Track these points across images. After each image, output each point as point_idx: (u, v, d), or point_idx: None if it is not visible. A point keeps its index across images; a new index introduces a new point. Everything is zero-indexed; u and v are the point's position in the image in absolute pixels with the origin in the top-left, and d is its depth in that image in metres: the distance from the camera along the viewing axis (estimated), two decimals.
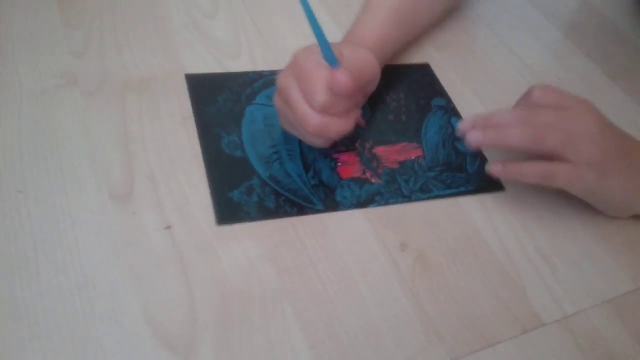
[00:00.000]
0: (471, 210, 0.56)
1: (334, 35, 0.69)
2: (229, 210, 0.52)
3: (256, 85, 0.63)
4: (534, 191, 0.57)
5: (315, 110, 0.50)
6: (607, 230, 0.56)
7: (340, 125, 0.51)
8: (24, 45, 0.62)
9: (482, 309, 0.49)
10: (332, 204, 0.54)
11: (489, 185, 0.58)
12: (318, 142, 0.54)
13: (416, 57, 0.70)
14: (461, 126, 0.55)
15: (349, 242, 0.52)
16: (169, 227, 0.50)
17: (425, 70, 0.68)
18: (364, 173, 0.57)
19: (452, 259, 0.52)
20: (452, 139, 0.61)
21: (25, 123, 0.56)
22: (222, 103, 0.60)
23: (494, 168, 0.53)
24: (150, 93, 0.60)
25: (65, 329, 0.44)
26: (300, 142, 0.57)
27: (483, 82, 0.68)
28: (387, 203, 0.55)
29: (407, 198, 0.55)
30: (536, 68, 0.70)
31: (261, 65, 0.65)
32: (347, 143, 0.59)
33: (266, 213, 0.52)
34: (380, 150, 0.59)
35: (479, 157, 0.60)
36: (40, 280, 0.46)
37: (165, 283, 0.47)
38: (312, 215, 0.53)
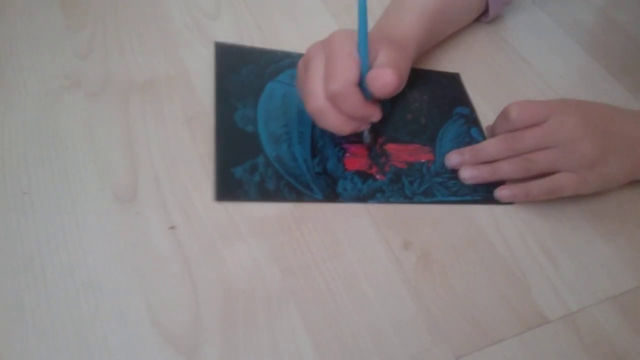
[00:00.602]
0: (474, 208, 0.56)
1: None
2: (228, 186, 0.52)
3: (282, 62, 0.62)
4: None
5: (325, 93, 0.50)
6: (610, 227, 0.56)
7: (337, 120, 0.51)
8: (27, 47, 0.62)
9: (486, 306, 0.49)
10: (331, 195, 0.54)
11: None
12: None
13: (442, 66, 0.69)
14: (449, 161, 0.57)
15: (352, 241, 0.52)
16: (173, 227, 0.51)
17: (454, 79, 0.67)
18: (370, 168, 0.56)
19: (456, 257, 0.52)
20: None
21: (29, 125, 0.56)
22: (244, 74, 0.60)
23: (502, 193, 0.55)
24: (153, 94, 0.60)
25: (71, 329, 0.44)
26: (313, 126, 0.56)
27: (504, 98, 0.65)
28: (387, 201, 0.55)
29: (409, 199, 0.55)
30: (560, 90, 0.69)
31: None
32: (360, 134, 0.58)
33: (264, 194, 0.52)
34: (391, 147, 0.58)
35: None
36: (46, 281, 0.46)
37: (169, 283, 0.48)
38: (313, 206, 0.52)
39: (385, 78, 0.50)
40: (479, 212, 0.55)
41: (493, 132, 0.58)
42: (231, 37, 0.67)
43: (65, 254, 0.48)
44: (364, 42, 0.51)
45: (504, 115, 0.55)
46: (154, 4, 0.70)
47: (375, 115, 0.53)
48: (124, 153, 0.55)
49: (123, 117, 0.58)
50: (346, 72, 0.49)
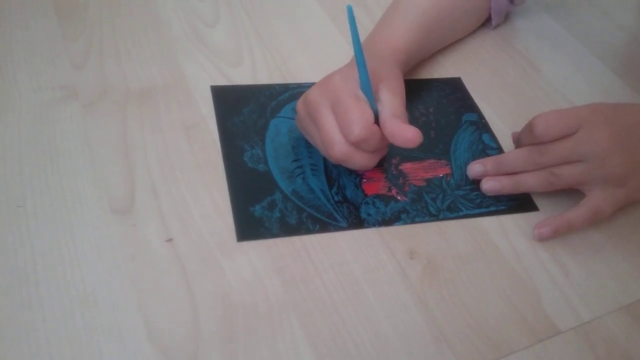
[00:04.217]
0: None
1: (333, 37, 0.69)
2: (249, 226, 0.51)
3: (281, 97, 0.61)
4: (559, 205, 0.56)
5: (349, 141, 0.49)
6: (622, 233, 0.54)
7: (364, 160, 0.51)
8: (23, 57, 0.62)
9: (495, 316, 0.48)
10: (356, 221, 0.52)
11: (521, 204, 0.55)
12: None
13: (446, 72, 0.68)
14: (470, 172, 0.56)
15: (355, 250, 0.51)
16: (170, 239, 0.49)
17: (456, 85, 0.66)
18: (390, 190, 0.55)
19: (463, 266, 0.51)
20: (483, 156, 0.58)
21: (25, 136, 0.55)
22: (246, 115, 0.59)
23: (542, 232, 0.52)
24: (151, 103, 0.59)
25: (66, 346, 0.43)
26: (325, 157, 0.56)
27: (508, 102, 0.65)
28: (413, 221, 0.53)
29: (435, 217, 0.54)
30: (568, 93, 0.67)
31: (263, 72, 0.64)
32: None
33: (287, 229, 0.51)
34: (406, 167, 0.57)
35: None
36: (40, 296, 0.45)
37: (167, 297, 0.46)
38: (335, 232, 0.52)
39: (406, 135, 0.49)
40: (486, 220, 0.54)
41: (518, 142, 0.56)
42: (230, 44, 0.67)
43: (60, 268, 0.47)
44: (365, 76, 0.50)
45: (529, 128, 0.53)
46: (152, 12, 0.69)
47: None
48: (121, 163, 0.54)
49: (120, 127, 0.57)
50: (362, 116, 0.49)
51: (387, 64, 0.56)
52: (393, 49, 0.59)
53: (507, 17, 0.75)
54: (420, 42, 0.63)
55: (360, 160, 0.50)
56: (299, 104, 0.54)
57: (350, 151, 0.49)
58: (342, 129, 0.49)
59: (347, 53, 0.67)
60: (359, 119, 0.48)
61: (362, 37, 0.64)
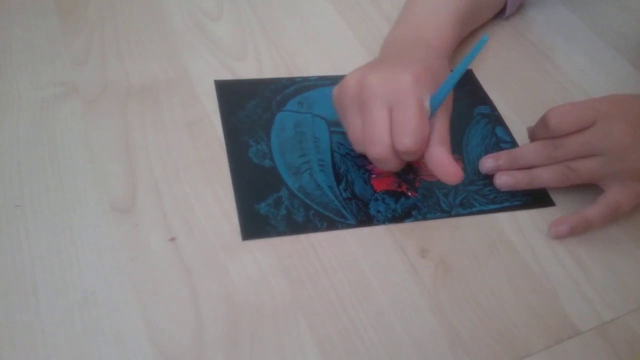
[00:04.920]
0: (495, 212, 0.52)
1: (341, 30, 0.67)
2: (255, 224, 0.49)
3: (287, 91, 0.60)
4: (577, 199, 0.53)
5: (396, 148, 0.46)
6: None
7: (396, 165, 0.49)
8: (23, 55, 0.60)
9: (511, 317, 0.46)
10: (365, 218, 0.51)
11: (537, 199, 0.54)
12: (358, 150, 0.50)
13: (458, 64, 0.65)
14: (483, 166, 0.54)
15: (364, 248, 0.49)
16: (173, 239, 0.48)
17: (467, 76, 0.64)
18: (400, 185, 0.53)
19: (477, 265, 0.49)
20: (496, 150, 0.56)
21: (23, 134, 0.53)
22: (251, 109, 0.57)
23: (559, 230, 0.51)
24: (153, 99, 0.58)
25: (65, 350, 0.41)
26: (332, 152, 0.54)
27: (522, 95, 0.63)
28: (424, 218, 0.51)
29: (447, 213, 0.52)
30: (584, 84, 0.65)
31: (269, 66, 0.62)
32: None
33: (294, 227, 0.49)
34: (417, 162, 0.55)
35: None
36: (38, 298, 0.44)
37: (170, 299, 0.45)
38: (344, 230, 0.50)
39: (450, 170, 0.47)
40: (501, 216, 0.52)
41: (533, 136, 0.54)
42: (234, 38, 0.65)
43: (59, 270, 0.45)
44: (441, 100, 0.48)
45: (543, 121, 0.51)
46: (153, 7, 0.67)
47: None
48: (122, 161, 0.52)
49: (121, 124, 0.55)
50: (421, 130, 0.46)
51: (440, 59, 0.53)
52: (444, 44, 0.57)
53: (519, 8, 0.72)
54: (459, 34, 0.61)
55: (393, 165, 0.48)
56: (351, 79, 0.49)
57: (390, 155, 0.47)
58: (395, 133, 0.46)
59: (354, 47, 0.66)
60: (417, 132, 0.46)
61: (375, 32, 0.63)
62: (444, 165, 0.47)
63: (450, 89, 0.48)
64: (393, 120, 0.46)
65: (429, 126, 0.47)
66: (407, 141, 0.45)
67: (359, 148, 0.49)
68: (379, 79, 0.47)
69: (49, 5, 0.66)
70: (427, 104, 0.47)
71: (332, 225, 0.50)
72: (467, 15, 0.62)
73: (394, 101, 0.47)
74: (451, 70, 0.50)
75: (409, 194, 0.53)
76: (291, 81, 0.61)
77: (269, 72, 0.62)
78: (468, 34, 0.67)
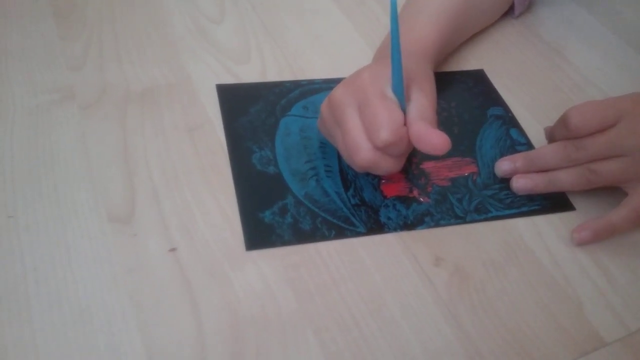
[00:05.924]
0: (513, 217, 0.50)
1: (346, 32, 0.65)
2: (259, 233, 0.47)
3: (292, 95, 0.58)
4: (598, 203, 0.51)
5: (375, 145, 0.45)
6: None
7: (390, 165, 0.47)
8: (18, 60, 0.58)
9: (532, 328, 0.43)
10: (375, 226, 0.48)
11: (556, 203, 0.51)
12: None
13: (469, 64, 0.64)
14: (499, 169, 0.52)
15: (375, 257, 0.47)
16: (173, 249, 0.45)
17: (479, 77, 0.62)
18: (411, 191, 0.51)
19: (495, 273, 0.46)
20: (511, 153, 0.54)
21: (17, 141, 0.51)
22: (254, 114, 0.55)
23: (582, 236, 0.48)
24: (153, 105, 0.56)
25: None
26: (339, 157, 0.52)
27: (537, 95, 0.61)
28: (437, 225, 0.49)
29: (461, 219, 0.49)
30: (600, 83, 0.63)
31: (272, 70, 0.60)
32: None
33: (300, 236, 0.47)
34: (428, 166, 0.53)
35: None
36: (31, 312, 0.42)
37: (170, 312, 0.42)
38: (353, 238, 0.48)
39: (433, 140, 0.44)
40: (519, 222, 0.50)
41: (551, 136, 0.52)
42: (237, 41, 0.63)
43: (53, 283, 0.43)
44: (399, 75, 0.46)
45: (563, 121, 0.49)
46: (154, 10, 0.66)
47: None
48: (120, 168, 0.50)
49: (120, 130, 0.53)
50: (391, 118, 0.44)
51: (419, 62, 0.52)
52: (424, 45, 0.55)
53: (530, 6, 0.70)
54: (449, 37, 0.59)
55: (386, 165, 0.46)
56: (323, 105, 0.49)
57: (376, 157, 0.45)
58: (369, 132, 0.45)
59: (360, 48, 0.64)
60: (387, 122, 0.44)
61: (382, 33, 0.61)
62: (425, 136, 0.45)
63: (399, 65, 0.46)
64: (363, 121, 0.45)
65: (402, 111, 0.46)
66: (382, 134, 0.44)
67: (351, 164, 0.48)
68: (342, 89, 0.47)
69: (46, 9, 0.64)
70: (389, 92, 0.46)
71: (340, 233, 0.48)
72: (458, 18, 0.60)
73: (360, 103, 0.46)
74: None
75: (421, 199, 0.50)
76: (296, 84, 0.59)
77: (272, 75, 0.60)
78: (476, 33, 0.65)
